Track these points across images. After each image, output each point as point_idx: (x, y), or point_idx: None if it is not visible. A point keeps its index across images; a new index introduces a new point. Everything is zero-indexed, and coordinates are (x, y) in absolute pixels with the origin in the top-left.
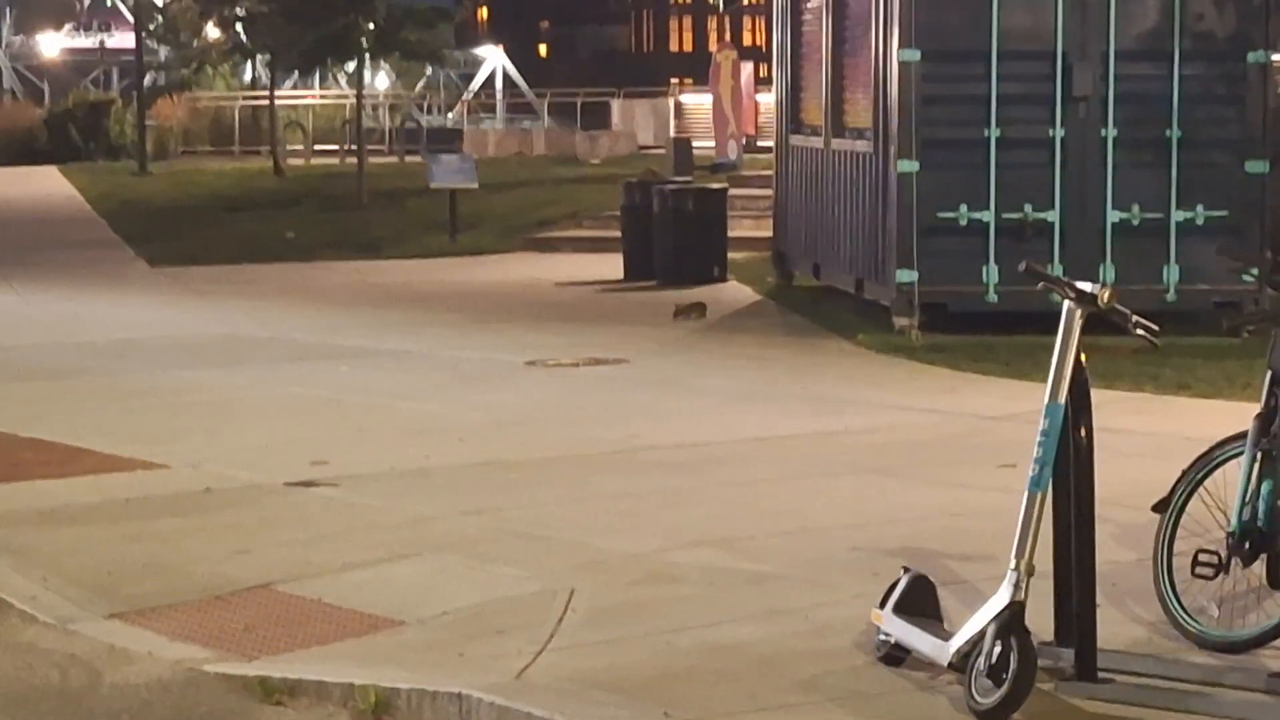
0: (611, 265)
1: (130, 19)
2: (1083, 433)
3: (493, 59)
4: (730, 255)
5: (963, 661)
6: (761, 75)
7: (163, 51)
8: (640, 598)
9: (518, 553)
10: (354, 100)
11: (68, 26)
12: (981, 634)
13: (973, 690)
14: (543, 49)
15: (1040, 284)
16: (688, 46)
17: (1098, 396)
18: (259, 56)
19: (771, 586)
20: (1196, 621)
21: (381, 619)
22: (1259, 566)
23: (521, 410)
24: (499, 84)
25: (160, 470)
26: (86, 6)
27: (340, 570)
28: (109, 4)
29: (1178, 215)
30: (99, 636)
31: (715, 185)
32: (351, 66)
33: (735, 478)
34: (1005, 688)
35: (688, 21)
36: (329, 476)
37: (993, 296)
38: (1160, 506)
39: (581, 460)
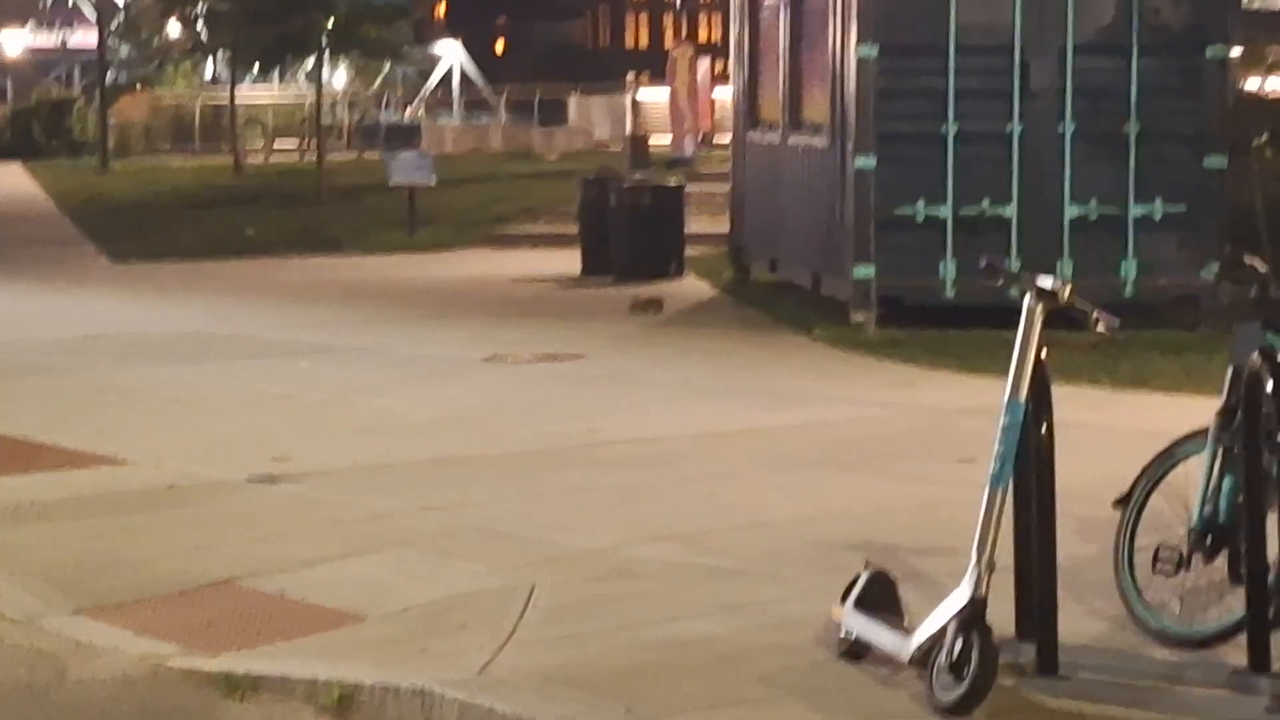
0: (569, 261)
1: (92, 17)
2: (1043, 429)
3: (450, 55)
4: (687, 251)
5: (924, 657)
6: (718, 71)
7: (124, 49)
8: (600, 593)
9: (478, 548)
10: (313, 98)
11: (30, 24)
12: (943, 630)
13: (934, 686)
14: (499, 45)
15: (999, 280)
16: (644, 42)
17: (1056, 392)
18: (219, 54)
19: (731, 581)
20: (1158, 617)
21: (344, 614)
22: (1220, 562)
23: (480, 406)
24: (456, 80)
25: (123, 466)
26: (49, 4)
27: (302, 565)
28: (71, 2)
29: (1136, 210)
30: (64, 632)
31: (672, 181)
32: (311, 63)
33: (693, 472)
34: (967, 683)
35: (644, 17)
36: (290, 472)
37: (950, 291)
38: (1121, 502)
39: (540, 455)
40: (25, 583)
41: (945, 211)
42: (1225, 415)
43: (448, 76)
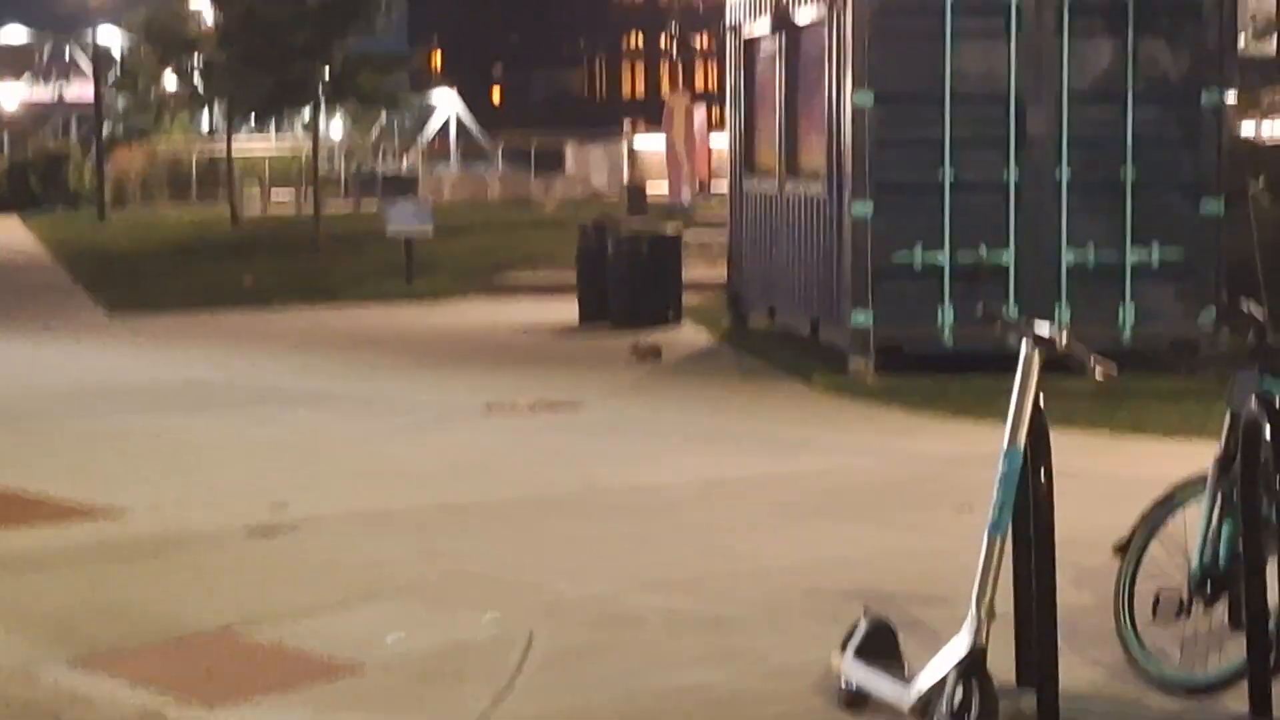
0: (567, 309)
1: (89, 69)
2: (1042, 476)
3: (447, 105)
4: (685, 298)
5: (924, 706)
6: (715, 119)
7: (121, 101)
8: (599, 641)
9: (476, 596)
10: (310, 147)
11: (26, 76)
12: (943, 678)
13: None
14: (496, 94)
15: (997, 326)
16: (641, 91)
17: (1054, 439)
18: (216, 105)
19: (730, 629)
20: (1158, 664)
21: (341, 663)
22: (1220, 609)
23: (478, 453)
24: (453, 130)
25: (120, 515)
26: (45, 57)
27: (300, 614)
28: (67, 55)
29: (1133, 256)
30: (60, 682)
31: (669, 229)
32: (308, 113)
33: (692, 520)
34: None
35: (640, 66)
36: (288, 520)
37: (948, 338)
38: (1120, 549)
39: (539, 503)
40: (20, 632)
41: (943, 259)
42: (1223, 462)
43: (445, 126)
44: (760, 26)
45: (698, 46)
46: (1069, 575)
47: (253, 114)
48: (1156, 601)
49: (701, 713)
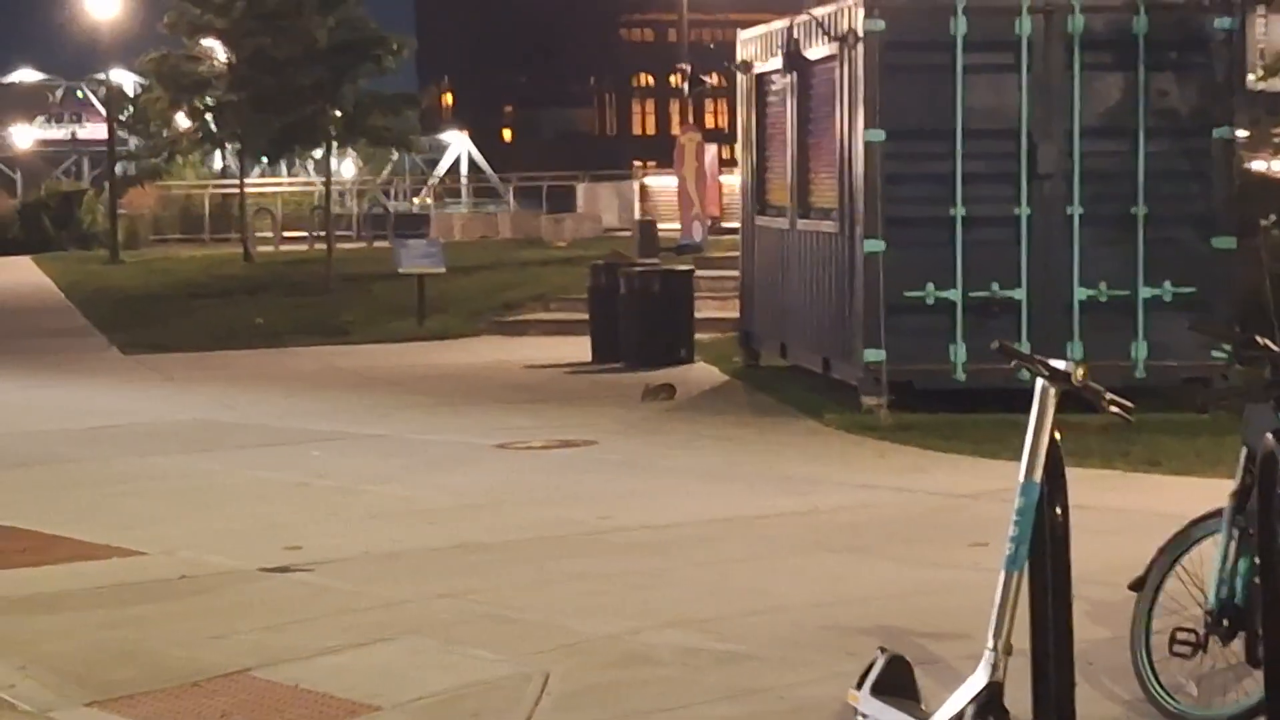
0: (579, 347)
1: (101, 110)
2: (1058, 511)
3: (458, 144)
4: (697, 336)
5: None
6: (725, 157)
7: (133, 141)
8: (615, 680)
9: (491, 635)
10: (322, 187)
11: (40, 118)
12: (960, 714)
13: None
14: (507, 133)
15: (1012, 362)
16: (650, 129)
17: (1070, 474)
18: (228, 145)
19: (746, 667)
20: (1175, 700)
21: (358, 704)
22: (1237, 644)
23: (491, 492)
24: (464, 168)
25: (135, 557)
26: (59, 98)
27: (316, 655)
28: (80, 95)
29: (1145, 292)
30: None
31: (681, 267)
32: (319, 153)
33: (706, 558)
34: None
35: (650, 104)
36: (302, 561)
37: (960, 375)
38: (1137, 584)
39: (552, 542)
40: (37, 675)
41: (955, 295)
42: (1239, 497)
43: (456, 164)
44: (771, 64)
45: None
46: (1086, 610)
47: (265, 154)
48: (1174, 637)
49: None
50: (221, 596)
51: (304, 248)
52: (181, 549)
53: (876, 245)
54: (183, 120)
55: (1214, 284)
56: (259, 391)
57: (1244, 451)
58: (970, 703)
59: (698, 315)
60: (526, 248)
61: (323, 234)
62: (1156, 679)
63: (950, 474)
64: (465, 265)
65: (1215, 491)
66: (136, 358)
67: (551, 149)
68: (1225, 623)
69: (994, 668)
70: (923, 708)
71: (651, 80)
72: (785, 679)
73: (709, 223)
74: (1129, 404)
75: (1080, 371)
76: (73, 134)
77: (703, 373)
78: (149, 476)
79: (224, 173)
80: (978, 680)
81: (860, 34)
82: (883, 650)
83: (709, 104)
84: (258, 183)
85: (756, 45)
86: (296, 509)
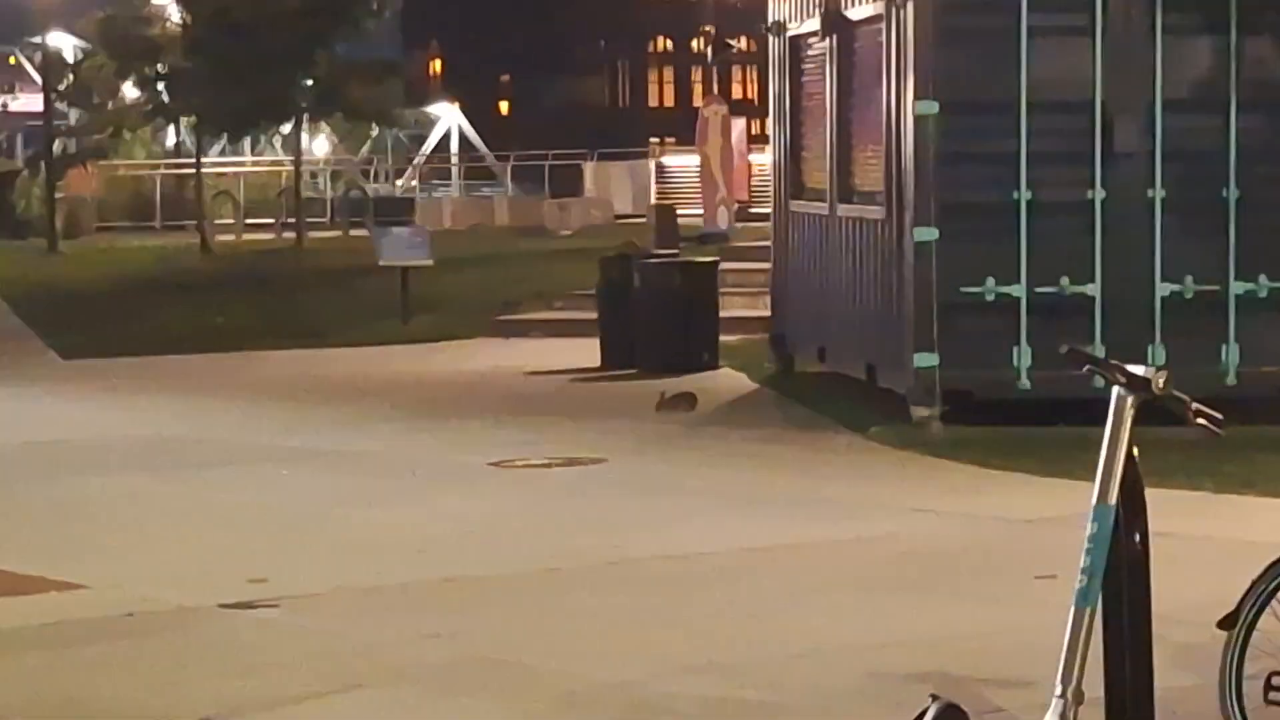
0: (587, 351)
1: (37, 78)
2: (1137, 538)
3: (447, 118)
4: (722, 338)
5: None
6: (755, 133)
7: (74, 115)
8: None
9: (486, 683)
10: (291, 167)
11: None
12: None
13: None
14: (504, 106)
15: (1084, 368)
16: (669, 101)
17: (1150, 496)
18: (183, 119)
19: (779, 718)
20: None
21: None
22: None
23: (487, 518)
24: (454, 146)
25: (78, 591)
26: None
27: (282, 704)
28: (13, 62)
29: (1237, 287)
30: None
31: (704, 259)
32: (288, 129)
33: (733, 594)
34: None
35: (669, 72)
36: (268, 596)
37: (1025, 383)
38: (1227, 623)
39: (557, 575)
40: None
41: (1019, 291)
42: None
43: (445, 142)
44: (808, 25)
45: (735, 50)
46: (1166, 652)
47: (225, 130)
48: (1269, 683)
49: None
50: (176, 637)
51: (270, 237)
52: (130, 583)
53: (929, 234)
54: (131, 91)
55: None
56: (219, 402)
57: None
58: None
59: (723, 314)
60: (526, 237)
61: (292, 221)
62: None
63: (1012, 496)
64: (456, 257)
65: None
66: (78, 363)
67: (555, 123)
68: None
69: (1062, 717)
70: None
71: (670, 44)
72: None
73: (736, 208)
74: (1218, 415)
75: (1162, 379)
76: (3, 106)
77: (728, 380)
78: (94, 500)
79: (178, 151)
80: None
81: None
82: (935, 698)
83: (736, 71)
84: (217, 162)
85: (791, 4)
86: (262, 537)
